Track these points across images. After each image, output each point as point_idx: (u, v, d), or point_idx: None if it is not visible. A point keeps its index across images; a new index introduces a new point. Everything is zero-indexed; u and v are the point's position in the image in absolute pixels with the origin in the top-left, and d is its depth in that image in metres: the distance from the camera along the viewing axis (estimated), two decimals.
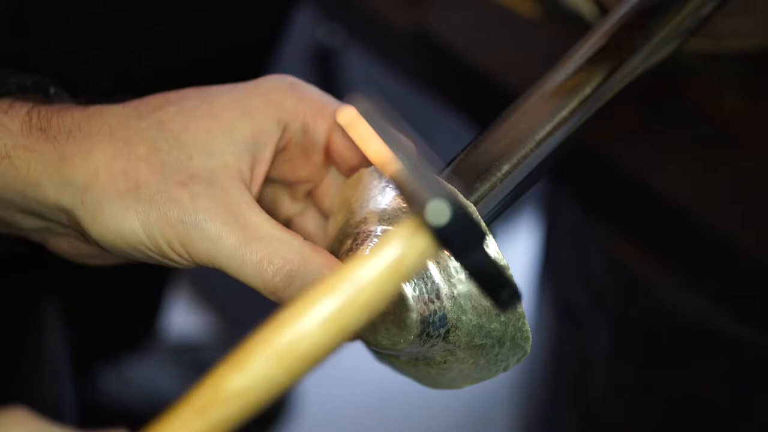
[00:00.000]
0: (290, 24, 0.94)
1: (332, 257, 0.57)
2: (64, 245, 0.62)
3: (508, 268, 0.53)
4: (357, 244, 0.57)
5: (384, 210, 0.57)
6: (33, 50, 0.78)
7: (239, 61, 0.93)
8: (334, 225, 0.61)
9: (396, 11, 1.03)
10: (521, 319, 0.57)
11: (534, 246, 1.43)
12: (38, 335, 1.02)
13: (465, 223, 0.46)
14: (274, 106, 0.59)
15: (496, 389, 1.60)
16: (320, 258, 0.56)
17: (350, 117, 0.49)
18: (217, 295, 1.65)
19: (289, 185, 0.64)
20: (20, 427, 0.43)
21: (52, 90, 0.62)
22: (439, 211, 0.46)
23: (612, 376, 1.11)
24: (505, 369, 0.58)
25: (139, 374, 1.37)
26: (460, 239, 0.46)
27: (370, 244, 0.57)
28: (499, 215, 0.60)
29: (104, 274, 1.01)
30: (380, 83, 1.49)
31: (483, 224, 0.53)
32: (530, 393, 1.36)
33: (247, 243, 0.56)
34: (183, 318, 1.66)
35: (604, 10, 0.94)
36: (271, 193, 0.64)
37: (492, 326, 0.57)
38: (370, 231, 0.57)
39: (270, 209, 0.65)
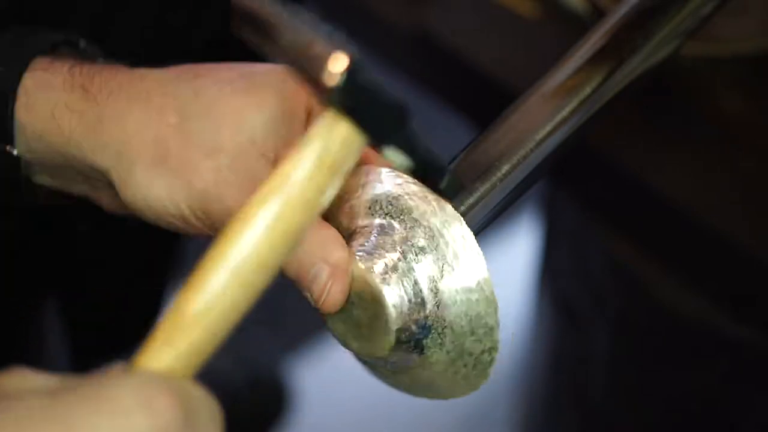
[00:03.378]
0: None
1: (338, 233, 0.57)
2: (105, 198, 0.63)
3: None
4: (352, 241, 0.57)
5: (376, 201, 0.57)
6: None
7: (240, 61, 0.93)
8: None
9: (396, 11, 1.03)
10: (494, 330, 0.57)
11: (534, 246, 1.43)
12: (38, 335, 1.02)
13: (366, 81, 0.47)
14: (304, 93, 0.59)
15: (496, 389, 1.60)
16: (328, 231, 0.57)
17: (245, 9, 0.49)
18: None
19: None
20: (20, 378, 0.43)
21: (82, 44, 0.63)
22: (337, 63, 0.46)
23: (612, 376, 1.11)
24: (485, 378, 0.58)
25: None
26: (366, 103, 0.47)
27: (366, 242, 0.57)
28: (499, 215, 0.60)
29: (104, 274, 1.01)
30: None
31: (396, 99, 0.51)
32: (530, 393, 1.36)
33: None
34: None
35: (597, 10, 0.95)
36: None
37: (470, 339, 0.57)
38: (365, 225, 0.57)
39: None
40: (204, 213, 0.57)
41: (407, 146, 0.50)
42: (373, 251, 0.56)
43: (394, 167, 0.53)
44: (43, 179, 0.62)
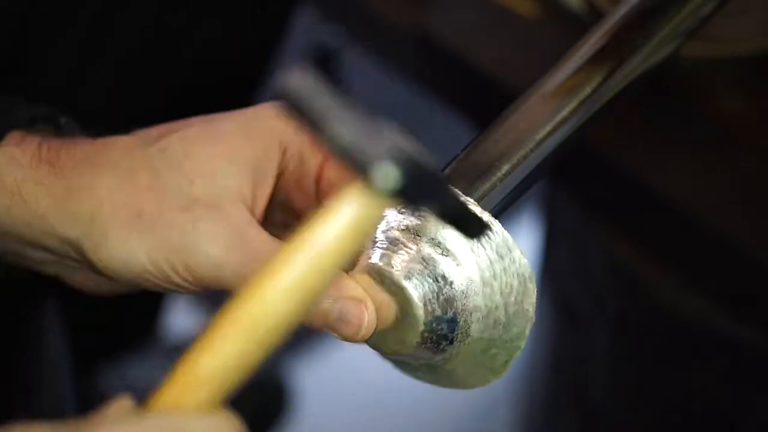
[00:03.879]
0: (290, 24, 0.94)
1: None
2: (76, 277, 0.62)
3: (473, 203, 0.54)
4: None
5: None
6: (34, 50, 0.78)
7: (240, 60, 0.93)
8: None
9: (396, 11, 1.03)
10: (529, 323, 0.57)
11: (534, 246, 1.43)
12: (38, 335, 1.02)
13: (418, 177, 0.45)
14: (276, 130, 0.59)
15: (496, 389, 1.60)
16: None
17: (282, 96, 0.48)
18: (216, 296, 1.64)
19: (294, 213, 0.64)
20: (23, 429, 0.43)
21: (62, 121, 0.62)
22: (387, 176, 0.45)
23: (612, 376, 1.11)
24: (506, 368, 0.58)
25: (139, 374, 1.37)
26: (416, 193, 0.46)
27: (384, 239, 0.57)
28: (499, 215, 0.60)
29: None
30: (380, 83, 1.49)
31: (439, 172, 0.51)
32: (530, 393, 1.36)
33: (250, 262, 0.56)
34: (183, 318, 1.66)
35: (594, 10, 0.94)
36: (280, 218, 0.64)
37: (500, 331, 0.57)
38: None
39: (280, 235, 0.65)
40: (186, 268, 0.56)
41: (440, 209, 0.48)
42: (392, 248, 0.56)
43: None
44: (12, 258, 0.61)
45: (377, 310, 0.56)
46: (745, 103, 0.93)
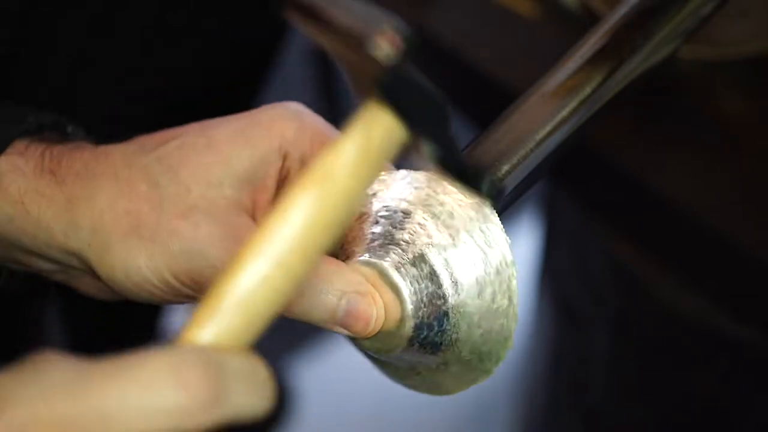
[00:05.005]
0: (291, 24, 0.94)
1: (341, 263, 0.57)
2: (84, 285, 0.62)
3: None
4: (365, 237, 0.57)
5: (389, 204, 0.57)
6: (34, 50, 0.78)
7: (240, 61, 0.93)
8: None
9: (396, 12, 1.03)
10: (514, 309, 0.57)
11: (534, 246, 1.43)
12: (38, 335, 1.02)
13: (413, 71, 0.45)
14: (275, 135, 0.59)
15: (496, 389, 1.60)
16: (329, 264, 0.56)
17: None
18: None
19: None
20: (55, 371, 0.42)
21: (69, 129, 0.62)
22: (390, 43, 0.45)
23: (612, 376, 1.11)
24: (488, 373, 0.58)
25: None
26: (415, 105, 0.46)
27: (380, 237, 0.57)
28: (499, 215, 0.60)
29: None
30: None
31: (443, 99, 0.50)
32: (530, 393, 1.36)
33: None
34: (183, 318, 1.66)
35: (589, 10, 0.95)
36: None
37: (490, 330, 0.57)
38: (377, 222, 0.57)
39: None
40: (188, 276, 0.56)
41: (448, 144, 0.49)
42: (387, 245, 0.56)
43: (431, 163, 0.51)
44: (15, 267, 0.61)
45: (385, 305, 0.56)
46: (745, 103, 0.93)
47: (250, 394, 0.43)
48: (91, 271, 0.59)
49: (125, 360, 0.42)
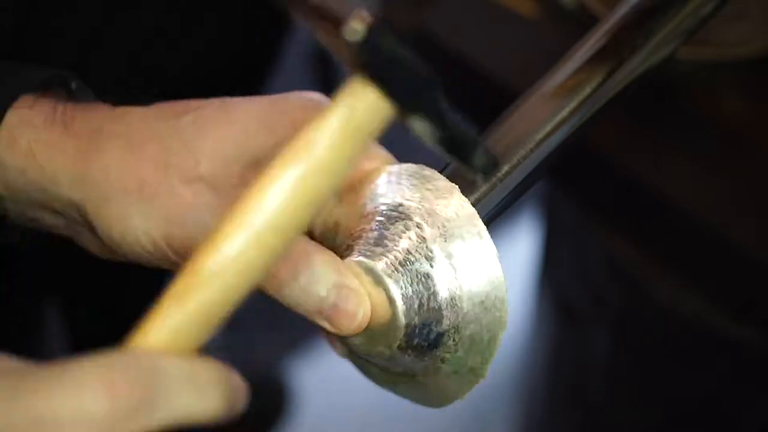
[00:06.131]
0: (290, 24, 0.94)
1: (336, 256, 0.56)
2: (86, 241, 0.62)
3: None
4: (358, 239, 0.57)
5: (382, 203, 0.57)
6: (33, 50, 0.78)
7: (240, 61, 0.93)
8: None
9: (396, 11, 1.03)
10: (504, 312, 0.56)
11: (534, 246, 1.43)
12: (38, 335, 1.02)
13: (391, 44, 0.45)
14: (296, 123, 0.58)
15: (496, 389, 1.60)
16: (324, 255, 0.56)
17: None
18: None
19: None
20: None
21: (73, 85, 0.62)
22: (357, 20, 0.45)
23: (612, 376, 1.11)
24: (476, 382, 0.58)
25: None
26: (399, 78, 0.46)
27: (372, 238, 0.56)
28: (499, 215, 0.60)
29: (104, 274, 1.01)
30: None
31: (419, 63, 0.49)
32: (530, 393, 1.36)
33: None
34: None
35: (585, 10, 0.95)
36: None
37: (481, 331, 0.56)
38: (370, 223, 0.57)
39: None
40: (179, 242, 0.56)
41: (436, 116, 0.48)
42: (378, 247, 0.56)
43: (422, 139, 0.51)
44: (21, 221, 0.61)
45: (373, 307, 0.56)
46: (745, 103, 0.93)
47: (194, 397, 0.43)
48: (90, 227, 0.58)
49: (63, 364, 0.41)
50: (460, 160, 0.49)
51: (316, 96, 0.60)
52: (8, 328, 0.92)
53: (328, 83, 1.64)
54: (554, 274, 1.18)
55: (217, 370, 0.45)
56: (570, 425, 1.22)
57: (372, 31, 0.45)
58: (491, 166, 0.49)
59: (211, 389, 0.44)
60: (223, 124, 0.58)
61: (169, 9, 0.82)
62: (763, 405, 1.00)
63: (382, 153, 0.60)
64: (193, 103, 0.60)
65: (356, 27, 0.45)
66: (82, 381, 0.41)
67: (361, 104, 0.47)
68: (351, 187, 0.60)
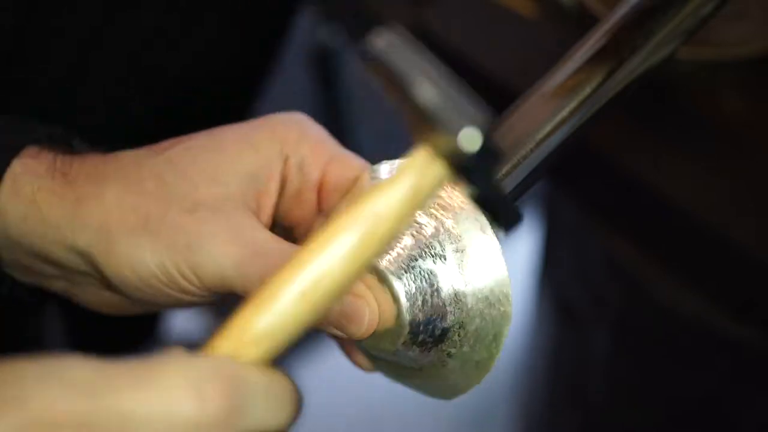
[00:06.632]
0: (290, 24, 0.94)
1: None
2: (85, 295, 0.63)
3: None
4: None
5: None
6: (33, 50, 0.78)
7: (240, 61, 0.93)
8: None
9: (396, 11, 1.03)
10: (508, 310, 0.57)
11: (534, 246, 1.43)
12: (38, 335, 1.02)
13: (490, 152, 0.45)
14: (277, 139, 0.61)
15: (496, 389, 1.60)
16: None
17: (374, 54, 0.48)
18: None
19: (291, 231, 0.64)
20: (75, 369, 0.42)
21: (75, 142, 0.63)
22: (471, 139, 0.45)
23: (612, 376, 1.11)
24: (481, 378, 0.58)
25: None
26: (480, 168, 0.46)
27: None
28: None
29: None
30: (380, 84, 1.49)
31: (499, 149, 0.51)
32: (530, 393, 1.36)
33: (251, 258, 0.56)
34: (183, 318, 1.66)
35: (584, 9, 0.95)
36: (281, 234, 0.64)
37: (486, 326, 0.57)
38: None
39: None
40: (192, 271, 0.57)
41: (491, 191, 0.48)
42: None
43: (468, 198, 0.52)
44: (19, 273, 0.62)
45: (379, 308, 0.56)
46: (745, 103, 0.93)
47: (271, 410, 0.44)
48: (96, 273, 0.59)
49: (146, 363, 0.42)
50: (488, 216, 0.50)
51: (296, 116, 0.62)
52: (8, 327, 0.92)
53: (328, 83, 1.64)
54: (554, 274, 1.18)
55: (290, 383, 0.46)
56: (570, 425, 1.22)
57: (485, 145, 0.45)
58: (517, 224, 0.50)
59: (286, 402, 0.45)
60: (214, 150, 0.60)
61: (169, 9, 0.82)
62: (763, 405, 1.00)
63: (361, 162, 0.62)
64: (183, 138, 0.62)
65: (466, 149, 0.45)
66: (170, 383, 0.41)
67: (430, 178, 0.47)
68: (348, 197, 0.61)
